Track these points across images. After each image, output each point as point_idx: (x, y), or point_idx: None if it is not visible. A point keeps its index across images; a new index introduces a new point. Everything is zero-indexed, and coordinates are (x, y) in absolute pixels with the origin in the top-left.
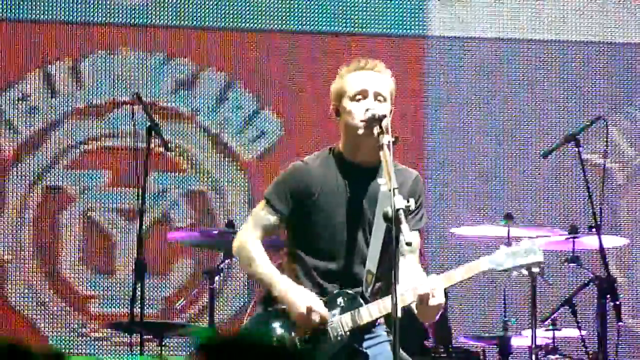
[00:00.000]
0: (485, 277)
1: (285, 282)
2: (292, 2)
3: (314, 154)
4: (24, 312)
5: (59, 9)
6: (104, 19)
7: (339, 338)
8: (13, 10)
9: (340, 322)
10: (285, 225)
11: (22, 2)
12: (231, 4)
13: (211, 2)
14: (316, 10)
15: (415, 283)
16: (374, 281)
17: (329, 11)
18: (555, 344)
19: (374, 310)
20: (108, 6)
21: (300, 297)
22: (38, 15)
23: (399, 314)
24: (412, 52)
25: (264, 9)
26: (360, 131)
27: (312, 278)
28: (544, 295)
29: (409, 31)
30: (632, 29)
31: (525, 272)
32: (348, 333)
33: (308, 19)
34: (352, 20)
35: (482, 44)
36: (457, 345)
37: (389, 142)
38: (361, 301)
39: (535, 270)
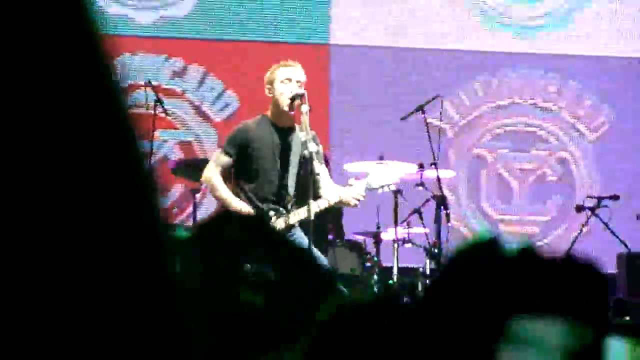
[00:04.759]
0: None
1: (237, 201)
2: (241, 14)
3: (252, 119)
4: None
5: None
6: (129, 32)
7: None
8: None
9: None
10: (233, 165)
11: None
12: (204, 19)
13: (202, 18)
14: (244, 21)
15: (330, 195)
16: (293, 199)
17: (251, 21)
18: (409, 237)
19: (292, 216)
20: (127, 24)
21: (245, 211)
22: None
23: (312, 217)
24: (318, 59)
25: (230, 21)
26: (285, 105)
27: (250, 199)
28: (402, 207)
29: (313, 40)
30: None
31: (387, 189)
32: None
33: (251, 28)
34: (268, 30)
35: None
36: (348, 238)
37: (306, 110)
38: (284, 212)
39: (393, 188)
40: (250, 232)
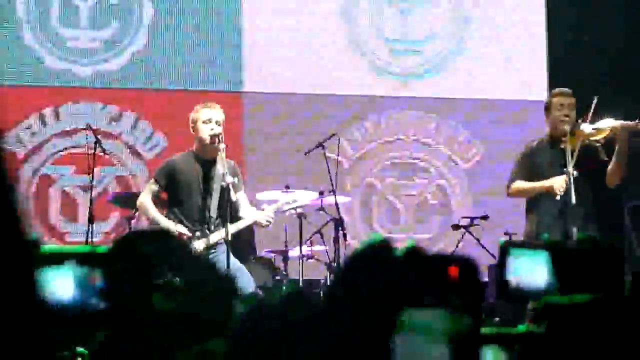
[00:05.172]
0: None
1: (166, 220)
2: (167, 67)
3: (179, 154)
4: None
5: (49, 76)
6: (71, 84)
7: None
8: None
9: (198, 245)
10: (164, 192)
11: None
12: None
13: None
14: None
15: (246, 217)
16: (215, 222)
17: (172, 72)
18: (312, 254)
19: (214, 236)
20: (69, 77)
21: (174, 228)
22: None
23: (229, 237)
24: (231, 107)
25: (157, 72)
26: (207, 142)
27: (181, 222)
28: (305, 227)
29: (226, 87)
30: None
31: (294, 210)
32: (202, 250)
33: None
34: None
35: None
36: (260, 255)
37: (223, 148)
38: (207, 233)
39: (299, 210)
40: (159, 246)
